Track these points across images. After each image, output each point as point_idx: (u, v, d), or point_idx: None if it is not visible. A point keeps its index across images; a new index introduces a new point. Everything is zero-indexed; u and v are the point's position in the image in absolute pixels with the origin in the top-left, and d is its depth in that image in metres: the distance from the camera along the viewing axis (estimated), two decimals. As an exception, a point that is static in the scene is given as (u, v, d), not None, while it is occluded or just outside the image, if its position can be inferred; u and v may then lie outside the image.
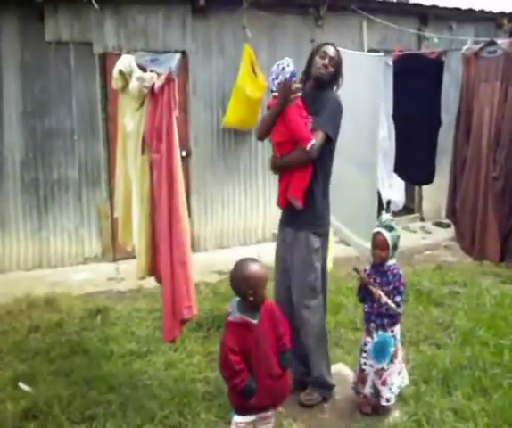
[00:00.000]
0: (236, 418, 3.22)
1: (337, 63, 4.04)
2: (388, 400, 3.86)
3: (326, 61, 4.00)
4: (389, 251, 3.81)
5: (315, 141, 3.79)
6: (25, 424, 3.74)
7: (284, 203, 4.01)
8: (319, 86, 4.00)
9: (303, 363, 4.16)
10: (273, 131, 3.96)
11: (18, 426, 3.72)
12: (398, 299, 3.80)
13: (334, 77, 4.04)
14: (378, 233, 3.83)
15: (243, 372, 3.08)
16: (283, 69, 3.89)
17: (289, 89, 3.81)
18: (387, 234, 3.80)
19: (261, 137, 4.17)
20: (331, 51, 4.04)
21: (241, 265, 3.17)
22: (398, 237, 3.86)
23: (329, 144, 3.94)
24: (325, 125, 3.87)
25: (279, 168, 4.00)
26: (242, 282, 3.12)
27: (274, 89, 3.94)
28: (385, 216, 3.91)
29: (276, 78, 3.89)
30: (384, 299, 3.76)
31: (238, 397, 3.15)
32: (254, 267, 3.13)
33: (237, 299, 3.19)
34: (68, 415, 3.80)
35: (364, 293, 3.92)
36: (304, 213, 3.94)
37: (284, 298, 4.07)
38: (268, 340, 3.20)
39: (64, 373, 4.40)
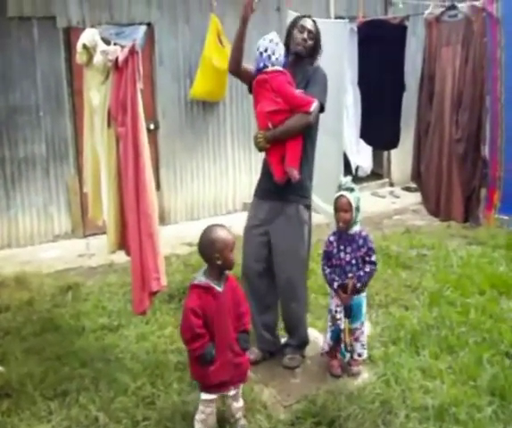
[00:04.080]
0: (203, 396, 3.28)
1: (316, 35, 4.08)
2: (360, 355, 3.99)
3: (305, 35, 4.03)
4: (352, 213, 3.85)
5: (315, 106, 3.80)
6: (-2, 403, 3.73)
7: (283, 176, 3.90)
8: (300, 60, 4.04)
9: (272, 333, 4.27)
10: (262, 102, 3.92)
11: (-9, 405, 3.72)
12: (373, 258, 3.92)
13: (314, 49, 4.08)
14: (340, 195, 3.87)
15: (203, 336, 3.14)
16: (277, 44, 3.91)
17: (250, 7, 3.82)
18: (349, 196, 3.84)
19: (234, 68, 4.08)
20: (309, 24, 4.07)
21: (208, 230, 3.26)
22: (359, 199, 3.91)
23: (320, 113, 3.98)
24: (319, 95, 3.90)
25: (273, 139, 3.87)
26: (209, 246, 3.18)
27: (269, 66, 3.89)
28: (345, 179, 3.95)
29: (273, 54, 3.88)
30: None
31: (199, 368, 3.20)
32: (221, 232, 3.22)
33: (203, 269, 3.24)
34: (41, 392, 3.81)
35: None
36: (293, 186, 3.92)
37: (257, 270, 4.11)
38: (230, 313, 3.25)
39: (36, 350, 4.38)
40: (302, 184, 4.00)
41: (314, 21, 4.14)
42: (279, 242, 4.04)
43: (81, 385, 3.87)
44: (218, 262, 3.17)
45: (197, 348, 3.15)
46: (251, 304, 4.00)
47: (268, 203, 4.08)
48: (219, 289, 3.22)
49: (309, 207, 4.14)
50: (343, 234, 3.93)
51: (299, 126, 3.85)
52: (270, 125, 3.87)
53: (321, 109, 3.96)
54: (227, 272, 3.32)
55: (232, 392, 3.32)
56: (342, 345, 4.00)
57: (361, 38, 5.37)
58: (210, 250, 3.17)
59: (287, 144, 3.87)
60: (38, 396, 3.77)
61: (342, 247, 3.93)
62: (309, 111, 3.80)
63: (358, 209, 3.88)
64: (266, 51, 3.90)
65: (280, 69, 3.91)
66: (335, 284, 3.93)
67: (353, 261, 3.90)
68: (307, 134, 3.95)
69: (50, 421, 3.55)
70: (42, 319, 4.91)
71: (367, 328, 4.15)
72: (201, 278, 3.22)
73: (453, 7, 4.50)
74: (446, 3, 4.83)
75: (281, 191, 3.96)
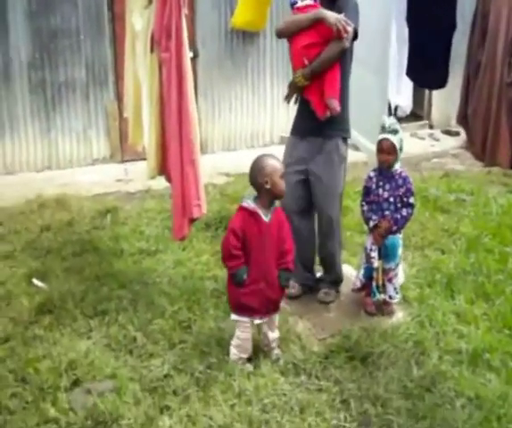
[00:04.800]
0: (232, 316, 3.38)
1: None
2: (391, 297, 3.99)
3: None
4: (396, 155, 3.81)
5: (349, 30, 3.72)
6: (40, 318, 3.86)
7: (324, 111, 3.85)
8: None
9: (309, 270, 4.31)
10: (295, 39, 3.87)
11: (33, 320, 3.85)
12: (412, 200, 3.89)
13: None
14: (385, 138, 3.81)
15: (238, 258, 3.22)
16: None
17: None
18: (393, 138, 3.79)
19: (282, 37, 4.05)
20: None
21: (258, 158, 3.32)
22: (402, 140, 3.86)
23: (352, 44, 3.90)
24: (353, 20, 3.80)
25: (311, 74, 3.81)
26: (259, 171, 3.24)
27: (298, 1, 3.84)
28: (389, 120, 3.89)
29: None
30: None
31: (232, 286, 3.30)
32: (270, 159, 3.29)
33: (254, 195, 3.28)
34: (81, 310, 3.93)
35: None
36: (333, 121, 3.88)
37: (296, 208, 4.09)
38: (272, 245, 3.29)
39: (76, 270, 4.50)
40: (342, 116, 3.95)
41: None
42: (320, 179, 4.02)
43: (120, 306, 3.98)
44: (267, 186, 3.21)
45: (231, 267, 3.27)
46: None
47: (306, 141, 4.04)
48: (266, 218, 3.25)
49: (346, 140, 4.11)
50: (384, 171, 3.90)
51: (335, 53, 3.78)
52: (306, 61, 3.82)
53: (354, 36, 3.88)
54: (277, 204, 3.36)
55: (259, 321, 3.37)
56: (374, 284, 4.01)
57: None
58: (260, 174, 3.21)
59: (325, 76, 3.81)
60: (79, 313, 3.89)
61: (381, 183, 3.91)
62: (343, 37, 3.71)
63: (401, 149, 3.85)
64: None
65: (311, 2, 3.83)
66: (371, 223, 3.92)
67: (391, 199, 3.88)
68: (343, 64, 3.89)
69: (90, 338, 3.67)
70: (81, 240, 5.02)
71: (401, 272, 4.12)
72: (249, 202, 3.25)
73: None
74: None
75: (322, 126, 3.92)
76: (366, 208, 3.98)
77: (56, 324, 3.79)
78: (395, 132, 3.82)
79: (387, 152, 3.81)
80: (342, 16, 3.70)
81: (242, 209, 3.27)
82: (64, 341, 3.59)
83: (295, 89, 3.97)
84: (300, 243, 4.12)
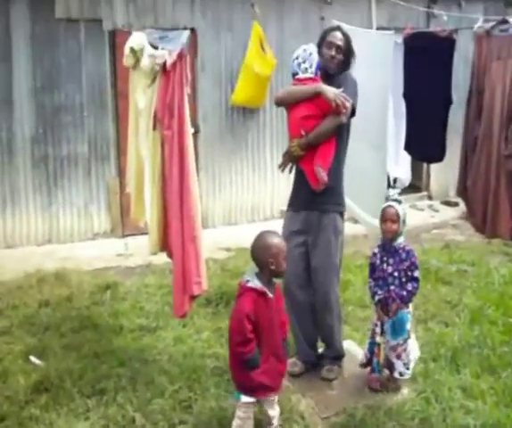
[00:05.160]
0: (243, 398, 3.26)
1: (346, 48, 4.03)
2: (401, 374, 3.90)
3: (333, 52, 4.00)
4: (399, 225, 3.82)
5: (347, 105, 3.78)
6: (37, 397, 3.77)
7: (319, 182, 3.87)
8: (330, 74, 4.01)
9: (312, 347, 4.23)
10: (294, 109, 3.94)
11: (30, 399, 3.76)
12: (416, 274, 3.85)
13: (344, 62, 4.04)
14: (389, 206, 3.84)
15: (252, 341, 3.14)
16: (310, 54, 3.92)
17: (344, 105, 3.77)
18: (397, 207, 3.82)
19: (280, 105, 4.13)
20: (337, 39, 4.02)
21: (263, 235, 3.28)
22: (405, 213, 3.89)
23: (349, 120, 3.95)
24: (351, 97, 3.86)
25: (307, 145, 3.87)
26: (264, 250, 3.20)
27: (300, 73, 3.93)
28: (393, 191, 3.94)
29: (304, 62, 3.91)
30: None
31: (242, 370, 3.20)
32: (276, 238, 3.27)
33: (254, 271, 3.24)
34: (79, 389, 3.85)
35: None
36: (329, 195, 3.92)
37: (299, 281, 4.07)
38: (277, 320, 3.26)
39: (75, 347, 4.43)
40: (336, 191, 3.99)
41: (344, 33, 4.08)
42: (316, 253, 4.01)
43: (119, 384, 3.89)
44: (272, 267, 3.19)
45: (246, 352, 3.14)
46: (292, 317, 4.00)
47: (303, 214, 4.05)
48: (271, 295, 3.22)
49: (342, 214, 4.11)
50: (387, 246, 3.89)
51: (332, 127, 3.84)
52: (303, 132, 3.88)
53: (352, 113, 3.94)
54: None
55: (271, 399, 3.30)
56: (375, 360, 3.95)
57: (407, 50, 5.31)
58: (266, 254, 3.19)
59: (320, 147, 3.87)
60: (76, 392, 3.81)
61: (385, 258, 3.90)
62: (342, 112, 3.77)
63: (404, 222, 3.86)
64: (297, 58, 3.95)
65: (311, 76, 3.92)
66: (376, 298, 3.90)
67: (395, 274, 3.85)
68: (339, 139, 3.94)
69: (88, 418, 3.58)
70: (81, 316, 4.97)
71: (415, 346, 4.03)
72: (256, 282, 3.20)
73: (505, 21, 4.43)
74: (491, 16, 4.77)
75: (317, 200, 3.94)
76: (372, 284, 3.97)
77: (53, 403, 3.71)
78: (399, 202, 3.86)
79: (391, 220, 3.81)
80: (340, 91, 3.78)
81: (250, 290, 3.19)
82: (61, 423, 3.51)
83: (291, 158, 4.01)
84: (303, 318, 4.09)
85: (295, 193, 4.14)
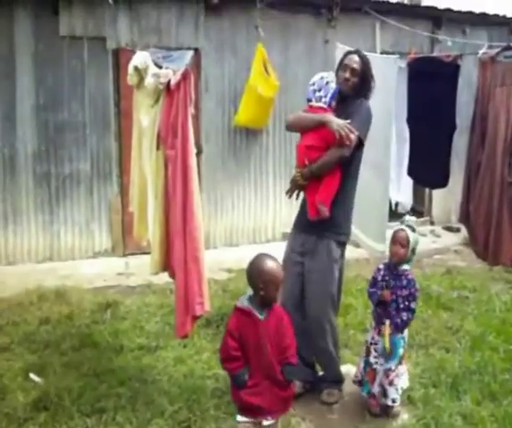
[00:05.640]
0: (237, 417, 3.25)
1: (362, 72, 4.02)
2: (394, 401, 3.87)
3: (348, 74, 4.00)
4: (408, 251, 3.80)
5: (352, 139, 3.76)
6: (36, 415, 3.75)
7: (315, 214, 3.89)
8: (346, 97, 3.99)
9: (309, 365, 4.22)
10: (303, 136, 3.96)
11: (29, 416, 3.74)
12: (413, 305, 3.84)
13: (361, 85, 4.03)
14: (401, 229, 3.82)
15: (238, 359, 3.13)
16: (327, 83, 3.92)
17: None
18: (409, 232, 3.80)
19: (289, 130, 4.18)
20: (353, 61, 4.02)
21: (259, 258, 3.21)
22: (417, 241, 3.86)
23: (359, 149, 3.94)
24: (358, 128, 3.84)
25: (310, 175, 3.87)
26: (255, 275, 3.15)
27: (313, 100, 3.94)
28: (409, 217, 3.93)
29: (319, 91, 3.91)
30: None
31: (234, 388, 3.19)
32: (270, 264, 3.15)
33: (250, 292, 3.22)
34: (78, 407, 3.82)
35: (377, 298, 3.91)
36: (328, 222, 3.89)
37: (294, 301, 4.07)
38: (272, 343, 3.19)
39: (74, 365, 4.42)
40: (336, 220, 3.95)
41: (362, 56, 4.07)
42: (309, 276, 4.02)
43: (118, 404, 3.87)
44: (261, 293, 3.13)
45: (231, 369, 3.16)
46: None
47: (302, 236, 4.07)
48: (261, 316, 3.16)
49: (342, 244, 4.07)
50: (392, 268, 3.88)
51: (333, 159, 3.82)
52: (307, 161, 3.88)
53: (360, 143, 3.92)
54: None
55: (267, 423, 3.25)
56: (366, 378, 3.94)
57: (411, 75, 5.36)
58: (256, 278, 3.13)
59: (323, 180, 3.86)
60: (76, 411, 3.79)
61: (386, 278, 3.88)
62: (346, 144, 3.75)
63: (414, 251, 3.84)
64: (313, 85, 3.96)
65: (323, 106, 3.91)
66: (375, 297, 3.89)
67: (393, 296, 3.84)
68: (345, 170, 3.92)
69: (86, 438, 3.55)
70: (81, 334, 4.95)
71: (406, 375, 4.00)
72: (244, 302, 3.18)
73: (509, 48, 4.47)
74: (495, 42, 4.81)
75: (315, 225, 3.94)
76: (371, 290, 3.96)
77: (52, 421, 3.69)
78: (412, 229, 3.84)
79: (400, 243, 3.79)
80: (346, 123, 3.75)
81: (236, 309, 3.19)
82: (60, 442, 3.49)
83: (295, 186, 4.03)
84: (298, 338, 4.05)
85: (299, 213, 4.17)
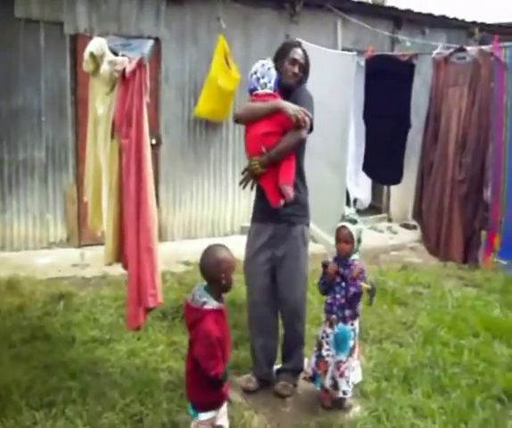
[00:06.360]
0: (202, 416, 3.16)
1: (306, 66, 4.09)
2: (345, 393, 3.88)
3: (296, 69, 4.03)
4: (353, 245, 3.85)
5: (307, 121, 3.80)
6: (-18, 409, 3.66)
7: (278, 199, 3.87)
8: (289, 89, 4.03)
9: (270, 365, 4.24)
10: (254, 125, 3.93)
11: (-25, 410, 3.64)
12: (362, 283, 3.85)
13: (303, 77, 4.09)
14: (343, 226, 3.87)
15: (222, 360, 3.09)
16: (269, 69, 3.94)
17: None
18: (351, 228, 3.84)
19: (240, 122, 4.14)
20: (299, 55, 4.05)
21: (213, 249, 3.22)
22: (361, 231, 3.91)
23: (308, 133, 3.97)
24: (309, 111, 3.87)
25: (268, 162, 3.85)
26: (214, 265, 3.14)
27: (259, 88, 3.94)
28: (348, 210, 3.99)
29: (263, 77, 3.92)
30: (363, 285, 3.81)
31: (212, 390, 3.13)
32: (226, 252, 3.20)
33: (201, 286, 3.19)
34: (27, 401, 3.73)
35: (327, 286, 3.95)
36: (295, 207, 3.93)
37: (267, 298, 4.10)
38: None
39: (24, 358, 4.32)
40: (301, 202, 4.02)
41: (304, 50, 4.11)
42: (286, 265, 4.03)
43: (68, 397, 3.80)
44: (223, 282, 3.14)
45: (219, 372, 3.04)
46: (254, 333, 4.05)
47: (271, 227, 4.04)
48: (223, 305, 3.19)
49: (309, 226, 4.18)
50: (341, 261, 3.92)
51: (293, 143, 3.85)
52: (264, 149, 3.86)
53: (310, 128, 3.96)
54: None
55: (224, 407, 3.25)
56: (318, 372, 3.97)
57: (368, 72, 5.39)
58: (216, 269, 3.13)
59: (280, 164, 3.86)
60: (24, 405, 3.69)
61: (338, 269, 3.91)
62: (302, 126, 3.79)
63: (359, 240, 3.89)
64: (256, 73, 3.97)
65: (270, 91, 3.93)
66: (323, 282, 3.96)
67: (343, 284, 3.87)
68: (298, 154, 3.97)
69: (34, 431, 3.47)
70: (32, 326, 4.84)
71: (359, 370, 4.04)
72: (213, 302, 3.12)
73: (462, 49, 4.55)
74: (452, 44, 4.88)
75: (284, 213, 3.94)
76: (320, 282, 4.01)
77: (-1, 415, 3.59)
78: (354, 222, 3.88)
79: (344, 240, 3.85)
80: (299, 107, 3.79)
81: (212, 312, 3.09)
82: (6, 435, 3.40)
83: (251, 175, 4.00)
84: (265, 334, 4.10)
85: (260, 206, 4.11)
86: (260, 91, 3.95)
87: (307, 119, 3.79)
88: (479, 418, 3.85)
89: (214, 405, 3.18)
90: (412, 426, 3.75)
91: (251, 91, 4.00)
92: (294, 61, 4.02)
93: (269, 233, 4.05)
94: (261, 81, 3.93)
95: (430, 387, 4.25)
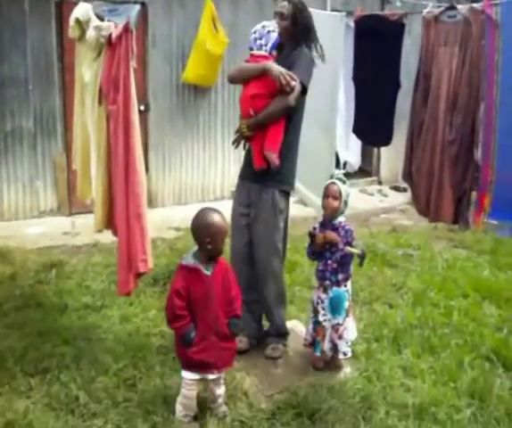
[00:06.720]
0: (184, 374, 3.27)
1: (293, 16, 3.99)
2: (345, 354, 3.95)
3: (279, 20, 3.98)
4: (341, 203, 3.84)
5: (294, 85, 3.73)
6: (-23, 376, 3.68)
7: (261, 163, 3.87)
8: (284, 46, 3.97)
9: (257, 320, 4.26)
10: (246, 86, 3.91)
11: (-31, 378, 3.67)
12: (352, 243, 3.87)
13: (295, 31, 3.99)
14: (332, 183, 3.87)
15: (184, 318, 3.14)
16: (268, 32, 3.87)
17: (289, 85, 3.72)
18: (341, 185, 3.85)
19: (233, 82, 4.15)
20: (281, 6, 4.01)
21: (204, 213, 3.23)
22: (349, 194, 3.92)
23: (302, 96, 3.92)
24: (301, 76, 3.82)
25: (255, 126, 3.84)
26: (202, 229, 3.16)
27: (254, 49, 3.89)
28: (338, 170, 4.00)
29: (260, 39, 3.86)
30: (348, 249, 3.81)
31: (181, 346, 3.21)
32: (216, 217, 3.19)
33: (194, 249, 3.22)
34: (21, 367, 3.77)
35: (317, 255, 3.96)
36: (272, 171, 3.87)
37: (243, 254, 4.10)
38: (218, 297, 3.24)
39: (17, 325, 4.34)
40: (280, 170, 3.92)
41: (291, 2, 4.02)
42: (255, 225, 4.04)
43: (62, 363, 3.84)
44: (209, 247, 3.15)
45: (177, 328, 3.18)
46: None
47: (247, 185, 4.07)
48: (207, 272, 3.20)
49: (286, 194, 4.08)
50: (327, 223, 3.92)
51: (280, 109, 3.80)
52: (252, 112, 3.85)
53: (303, 91, 3.90)
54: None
55: (213, 376, 3.30)
56: (317, 338, 4.00)
57: (358, 33, 5.31)
58: (203, 233, 3.15)
59: (268, 129, 3.83)
60: (19, 371, 3.73)
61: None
62: (286, 91, 3.72)
63: (346, 203, 3.89)
64: (255, 33, 3.91)
65: (264, 53, 3.87)
66: (310, 233, 3.95)
67: (333, 249, 3.87)
68: (289, 119, 3.91)
69: (30, 397, 3.50)
70: (24, 295, 4.86)
71: (354, 328, 4.08)
72: (189, 260, 3.19)
73: (452, 8, 4.49)
74: (443, 3, 4.82)
75: (260, 174, 3.93)
76: (308, 249, 4.02)
77: (-6, 382, 3.62)
78: (343, 182, 3.88)
79: (333, 196, 3.82)
80: (286, 70, 3.74)
81: (182, 267, 3.20)
82: (1, 401, 3.42)
83: (242, 137, 4.00)
84: (247, 290, 4.08)
85: (244, 165, 4.14)
86: (255, 52, 3.90)
87: (293, 83, 3.72)
88: (468, 377, 3.90)
89: (191, 366, 3.23)
90: (402, 386, 3.80)
91: (250, 50, 3.95)
92: (275, 14, 3.99)
93: (246, 191, 4.07)
94: (258, 42, 3.87)
95: (420, 347, 4.30)
